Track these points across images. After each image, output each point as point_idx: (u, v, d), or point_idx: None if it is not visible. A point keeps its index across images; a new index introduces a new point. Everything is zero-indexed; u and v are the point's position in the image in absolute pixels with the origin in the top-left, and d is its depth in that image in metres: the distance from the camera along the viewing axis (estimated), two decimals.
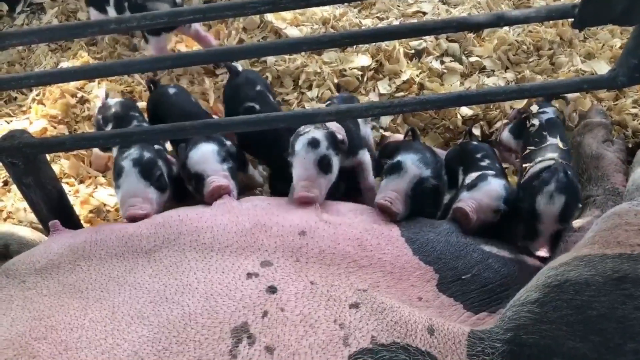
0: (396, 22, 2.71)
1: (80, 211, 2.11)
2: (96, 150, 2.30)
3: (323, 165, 1.65)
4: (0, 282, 1.44)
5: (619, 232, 1.26)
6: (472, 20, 1.57)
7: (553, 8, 1.44)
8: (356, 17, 2.76)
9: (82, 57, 2.75)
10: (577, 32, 2.59)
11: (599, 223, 1.36)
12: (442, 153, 2.08)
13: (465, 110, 2.35)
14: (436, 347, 1.19)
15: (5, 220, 2.16)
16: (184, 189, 1.98)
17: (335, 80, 2.48)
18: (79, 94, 2.56)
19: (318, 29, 2.70)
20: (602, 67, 2.41)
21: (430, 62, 2.52)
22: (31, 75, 1.63)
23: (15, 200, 2.21)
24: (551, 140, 1.88)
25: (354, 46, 2.57)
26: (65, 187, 2.11)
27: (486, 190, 1.71)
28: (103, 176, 2.30)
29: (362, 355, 1.17)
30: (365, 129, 2.13)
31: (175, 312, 1.28)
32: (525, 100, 2.26)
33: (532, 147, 1.90)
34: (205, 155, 1.75)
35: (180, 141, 1.90)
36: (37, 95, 2.60)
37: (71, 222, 1.81)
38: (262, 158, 2.14)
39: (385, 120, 2.37)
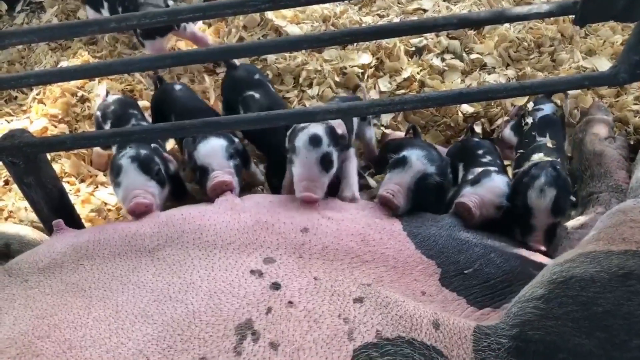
0: (397, 20, 2.71)
1: (81, 210, 2.11)
2: (97, 147, 2.29)
3: (325, 163, 1.64)
4: (3, 281, 1.43)
5: (624, 228, 1.25)
6: (472, 17, 1.57)
7: (554, 5, 1.43)
8: (357, 15, 2.76)
9: (82, 56, 2.75)
10: (578, 29, 2.58)
11: (604, 220, 1.36)
12: (443, 150, 2.08)
13: (466, 108, 2.35)
14: (442, 342, 1.18)
15: (6, 219, 2.15)
16: (183, 188, 1.98)
17: (336, 78, 2.48)
18: (80, 93, 2.56)
19: (318, 27, 2.70)
20: (603, 64, 2.41)
21: (431, 60, 2.52)
22: (31, 75, 1.62)
23: (16, 199, 2.20)
24: (540, 140, 1.90)
25: (355, 44, 2.57)
26: (66, 187, 2.11)
27: (490, 187, 1.71)
28: (104, 175, 2.30)
29: (367, 349, 1.17)
30: (370, 131, 2.12)
31: (179, 310, 1.28)
32: (527, 98, 2.26)
33: (521, 151, 1.93)
34: (214, 150, 1.77)
35: None
36: (37, 94, 2.60)
37: (72, 221, 1.80)
38: (261, 148, 2.13)
39: (386, 117, 2.37)
